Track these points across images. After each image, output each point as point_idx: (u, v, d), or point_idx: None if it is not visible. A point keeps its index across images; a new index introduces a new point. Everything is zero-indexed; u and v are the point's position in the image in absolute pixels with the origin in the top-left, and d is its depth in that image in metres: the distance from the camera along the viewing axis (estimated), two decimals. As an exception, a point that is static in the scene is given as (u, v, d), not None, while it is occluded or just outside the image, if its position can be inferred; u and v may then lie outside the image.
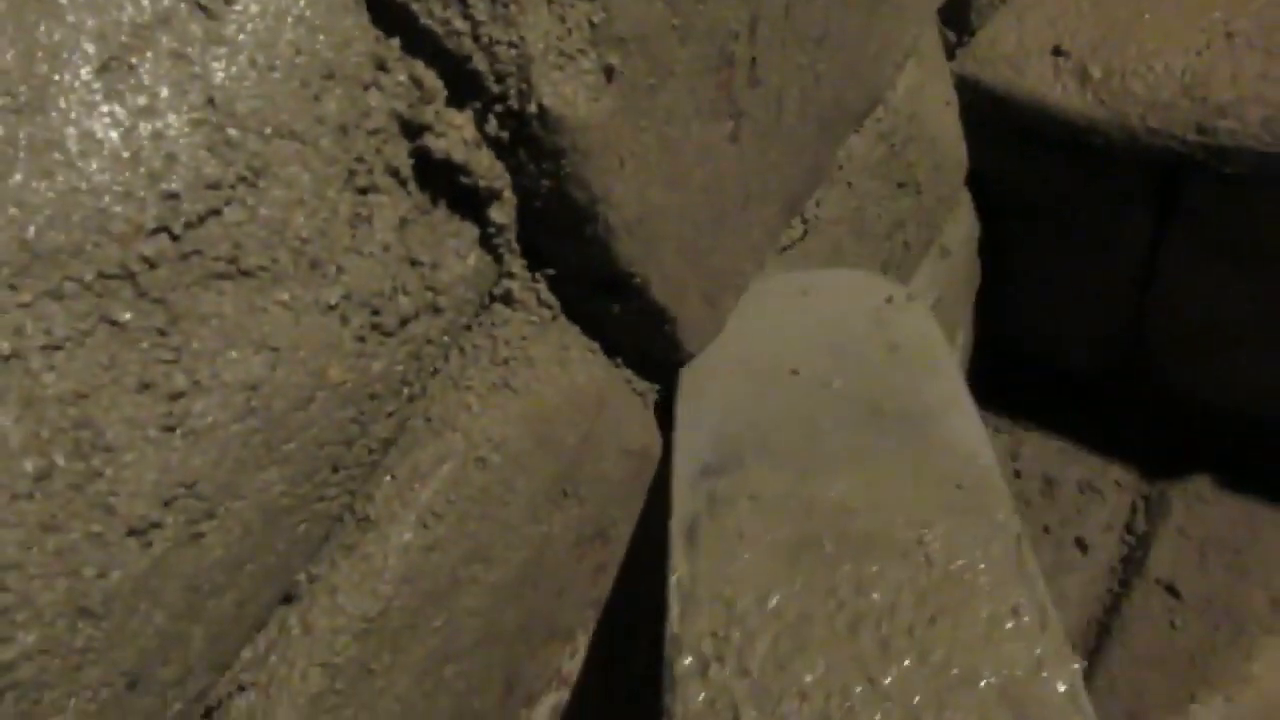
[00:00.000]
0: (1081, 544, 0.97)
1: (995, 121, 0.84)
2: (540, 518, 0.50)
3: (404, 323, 0.39)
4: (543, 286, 0.48)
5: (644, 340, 0.53)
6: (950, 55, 0.84)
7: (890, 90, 0.67)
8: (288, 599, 0.40)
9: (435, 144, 0.38)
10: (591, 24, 0.40)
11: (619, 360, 0.54)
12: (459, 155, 0.39)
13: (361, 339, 0.38)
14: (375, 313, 0.38)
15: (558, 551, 0.52)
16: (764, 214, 0.57)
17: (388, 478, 0.43)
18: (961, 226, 0.88)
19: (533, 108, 0.40)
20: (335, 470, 0.39)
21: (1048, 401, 1.05)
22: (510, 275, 0.46)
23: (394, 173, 0.38)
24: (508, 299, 0.47)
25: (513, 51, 0.39)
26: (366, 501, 0.42)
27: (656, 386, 0.57)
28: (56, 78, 0.32)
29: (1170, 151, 0.78)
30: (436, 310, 0.41)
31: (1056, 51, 0.82)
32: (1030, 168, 0.88)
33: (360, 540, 0.42)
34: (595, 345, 0.52)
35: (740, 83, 0.49)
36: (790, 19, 0.51)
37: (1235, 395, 0.96)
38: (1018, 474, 1.03)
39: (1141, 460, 1.01)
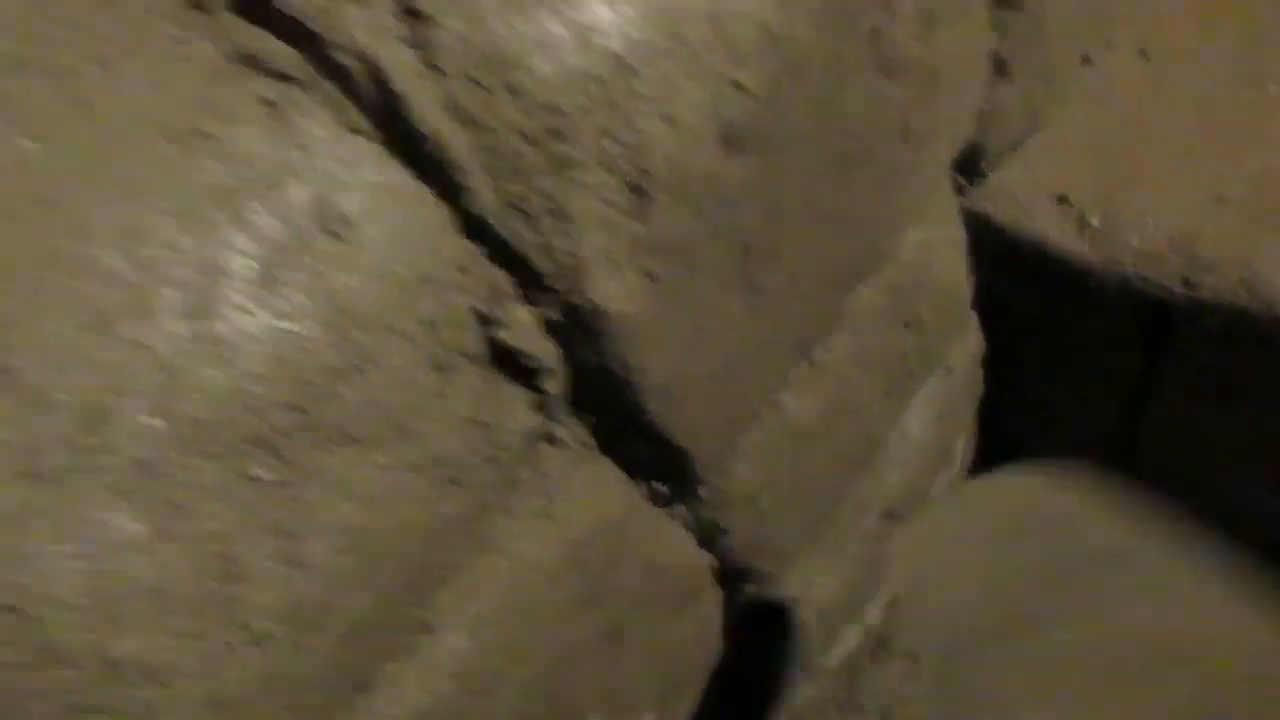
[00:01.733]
0: (1066, 644, 1.04)
1: (1001, 255, 0.92)
2: (567, 622, 0.58)
3: (471, 474, 0.49)
4: (583, 431, 0.57)
5: (665, 472, 0.62)
6: (960, 191, 0.93)
7: (898, 247, 0.75)
8: (362, 688, 0.49)
9: (503, 334, 0.48)
10: (636, 238, 0.50)
11: (643, 488, 0.62)
12: (522, 344, 0.48)
13: (437, 489, 0.47)
14: (449, 468, 0.47)
15: (580, 649, 0.60)
16: (775, 361, 0.65)
17: (444, 591, 0.52)
18: (966, 346, 0.97)
19: (585, 304, 0.49)
20: (409, 591, 0.48)
21: (1044, 504, 1.12)
22: (557, 422, 0.55)
23: (469, 356, 0.48)
24: (552, 440, 0.56)
25: (571, 259, 0.49)
26: (427, 611, 0.52)
27: (673, 507, 0.65)
28: (222, 289, 0.42)
29: (1159, 300, 0.86)
30: (496, 462, 0.50)
31: (1060, 199, 0.91)
32: (1032, 297, 0.96)
33: (420, 642, 0.51)
34: (624, 476, 0.61)
35: (758, 265, 0.58)
36: (806, 208, 0.60)
37: (1219, 516, 1.02)
38: (1011, 572, 1.10)
39: (1128, 568, 1.08)
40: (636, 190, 0.48)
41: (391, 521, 0.46)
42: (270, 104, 0.43)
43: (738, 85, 0.49)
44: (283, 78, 0.43)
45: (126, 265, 0.41)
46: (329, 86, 0.44)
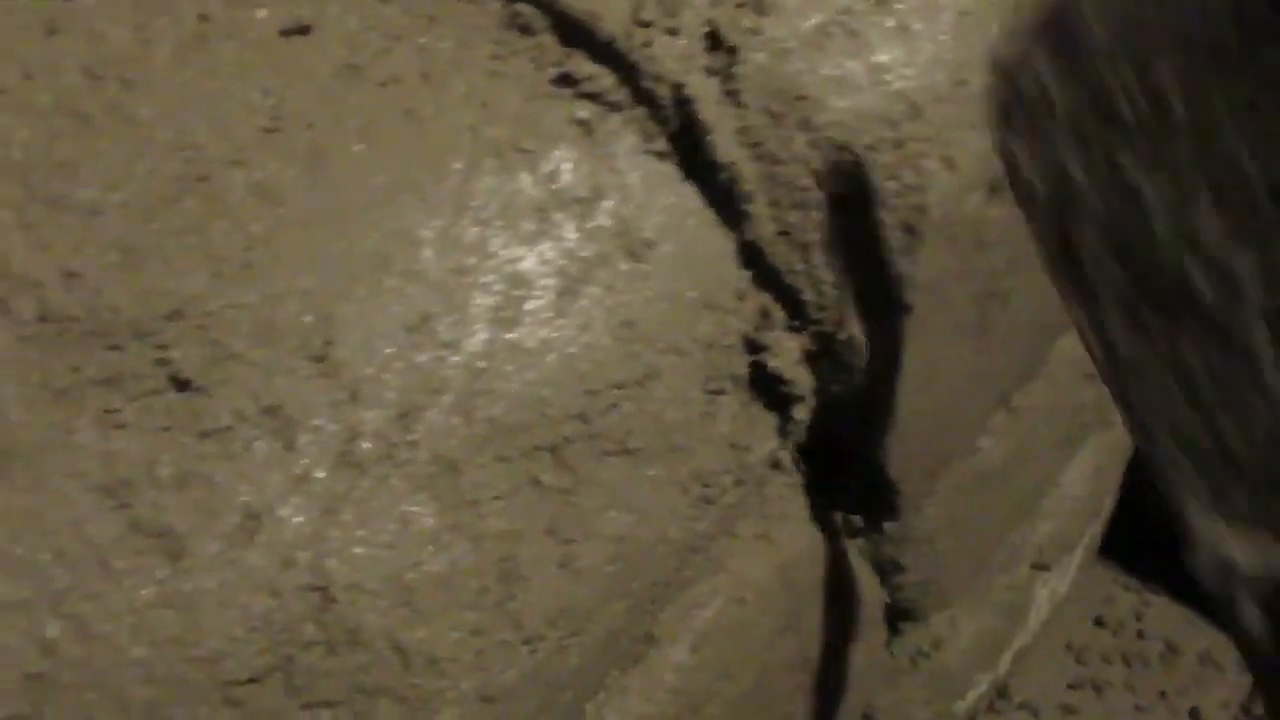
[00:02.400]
0: (1196, 715, 1.01)
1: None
2: (770, 646, 0.59)
3: (722, 493, 0.50)
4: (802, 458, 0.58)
5: (868, 503, 0.62)
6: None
7: (1096, 297, 0.75)
8: (594, 693, 0.51)
9: (770, 360, 0.49)
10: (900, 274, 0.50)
11: (843, 517, 0.63)
12: (786, 371, 0.49)
13: (694, 506, 0.48)
14: (706, 485, 0.48)
15: (773, 672, 0.61)
16: (983, 405, 0.66)
17: (670, 605, 0.53)
18: (1126, 400, 0.95)
19: (843, 335, 0.50)
20: (653, 601, 0.49)
21: (1178, 568, 1.09)
22: (786, 449, 0.56)
23: (736, 379, 0.49)
24: (776, 465, 0.57)
25: (835, 291, 0.49)
26: (656, 623, 0.53)
27: (862, 539, 0.66)
28: (528, 298, 0.43)
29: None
30: (741, 483, 0.51)
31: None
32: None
33: (646, 653, 0.52)
34: (828, 505, 0.61)
35: (992, 308, 0.59)
36: (1036, 254, 0.60)
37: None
38: (1140, 634, 1.08)
39: (1269, 641, 1.04)
40: (909, 230, 0.49)
41: (653, 534, 0.47)
42: (584, 124, 0.45)
43: (1014, 133, 0.50)
44: (596, 100, 0.45)
45: (445, 270, 0.43)
46: (638, 111, 0.45)
